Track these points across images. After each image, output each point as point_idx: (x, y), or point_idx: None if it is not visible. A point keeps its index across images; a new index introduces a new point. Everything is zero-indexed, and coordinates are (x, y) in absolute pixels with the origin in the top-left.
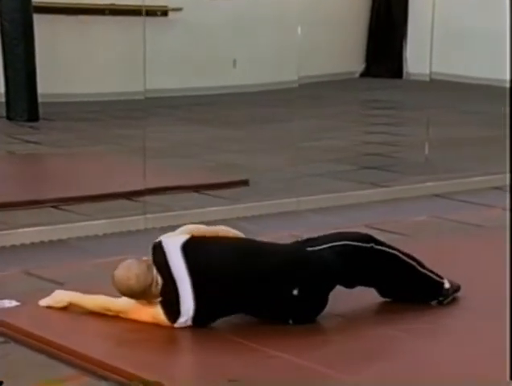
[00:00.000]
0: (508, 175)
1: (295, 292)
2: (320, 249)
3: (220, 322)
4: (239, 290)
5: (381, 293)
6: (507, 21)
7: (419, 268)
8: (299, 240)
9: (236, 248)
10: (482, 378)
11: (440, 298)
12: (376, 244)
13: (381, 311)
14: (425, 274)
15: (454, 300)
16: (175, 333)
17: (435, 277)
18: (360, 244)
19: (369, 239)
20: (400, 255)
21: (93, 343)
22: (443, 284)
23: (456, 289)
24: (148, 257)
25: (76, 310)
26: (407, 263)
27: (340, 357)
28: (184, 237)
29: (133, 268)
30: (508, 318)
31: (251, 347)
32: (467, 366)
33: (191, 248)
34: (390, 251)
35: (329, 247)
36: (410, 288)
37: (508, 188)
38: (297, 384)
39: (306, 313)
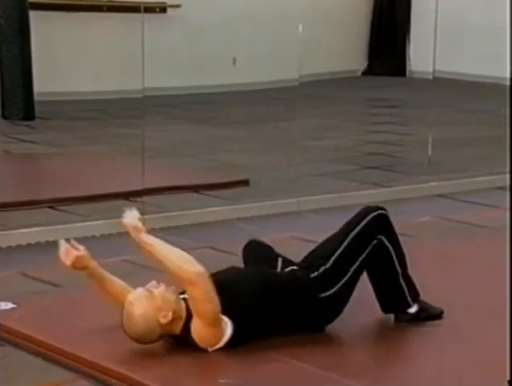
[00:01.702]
0: (508, 176)
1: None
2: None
3: None
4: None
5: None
6: (507, 20)
7: (400, 277)
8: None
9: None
10: (482, 378)
11: (401, 315)
12: (384, 236)
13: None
14: (401, 287)
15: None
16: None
17: (408, 295)
18: (371, 245)
19: (381, 226)
20: (395, 257)
21: (90, 346)
22: (409, 307)
23: (431, 314)
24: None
25: (75, 310)
26: (395, 267)
27: (345, 361)
28: (229, 333)
29: (156, 329)
30: (508, 318)
31: (256, 352)
32: (467, 366)
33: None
34: (390, 249)
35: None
36: (383, 288)
37: (508, 188)
38: None
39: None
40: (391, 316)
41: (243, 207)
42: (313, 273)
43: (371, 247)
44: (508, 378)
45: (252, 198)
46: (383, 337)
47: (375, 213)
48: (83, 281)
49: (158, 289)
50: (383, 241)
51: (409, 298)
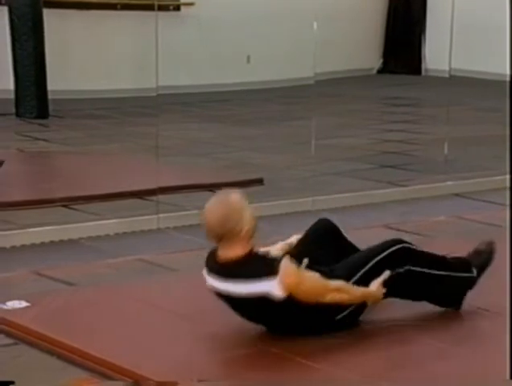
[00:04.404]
0: (508, 176)
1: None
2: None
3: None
4: None
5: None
6: (507, 19)
7: (452, 272)
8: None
9: None
10: (482, 378)
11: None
12: (413, 265)
13: (408, 316)
14: (456, 276)
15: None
16: (194, 335)
17: (464, 274)
18: (395, 271)
19: (404, 258)
20: (431, 271)
21: (106, 345)
22: (472, 273)
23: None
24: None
25: (89, 308)
26: (438, 275)
27: (356, 362)
28: None
29: (233, 219)
30: (508, 318)
31: (270, 352)
32: (470, 366)
33: None
34: (425, 271)
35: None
36: (442, 292)
37: (508, 189)
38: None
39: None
40: (397, 315)
41: (257, 206)
42: None
43: (399, 272)
44: (508, 377)
45: (266, 197)
46: (397, 337)
47: (395, 248)
48: (97, 280)
49: None
50: (411, 269)
51: (469, 273)
